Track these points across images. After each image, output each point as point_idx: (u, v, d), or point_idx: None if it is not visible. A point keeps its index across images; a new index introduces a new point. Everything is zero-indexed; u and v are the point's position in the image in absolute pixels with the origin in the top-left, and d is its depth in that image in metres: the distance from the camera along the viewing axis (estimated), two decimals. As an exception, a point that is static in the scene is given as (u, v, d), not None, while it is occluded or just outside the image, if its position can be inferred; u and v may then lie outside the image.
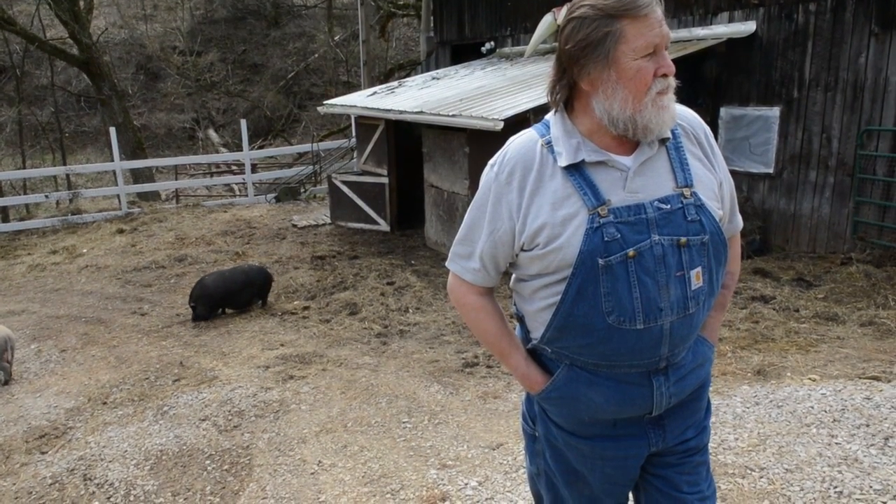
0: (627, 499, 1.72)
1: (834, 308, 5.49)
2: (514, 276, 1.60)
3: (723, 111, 7.62)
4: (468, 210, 1.59)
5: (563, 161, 1.44)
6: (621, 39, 1.36)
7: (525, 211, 1.47)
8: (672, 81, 1.42)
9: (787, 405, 3.65)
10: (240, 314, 6.74)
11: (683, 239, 1.43)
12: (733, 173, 7.39)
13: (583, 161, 1.44)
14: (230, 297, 6.64)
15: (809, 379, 4.09)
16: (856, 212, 6.64)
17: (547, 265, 1.46)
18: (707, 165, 1.54)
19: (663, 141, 1.48)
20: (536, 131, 1.52)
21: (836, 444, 3.19)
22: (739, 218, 1.68)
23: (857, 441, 3.19)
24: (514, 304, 1.64)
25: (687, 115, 1.56)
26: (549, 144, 1.47)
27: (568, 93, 1.47)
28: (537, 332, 1.54)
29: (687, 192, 1.46)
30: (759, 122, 7.34)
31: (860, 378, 4.03)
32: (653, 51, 1.37)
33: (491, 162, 1.54)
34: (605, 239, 1.40)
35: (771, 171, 7.28)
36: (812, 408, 3.58)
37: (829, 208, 6.88)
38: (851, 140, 6.60)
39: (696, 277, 1.45)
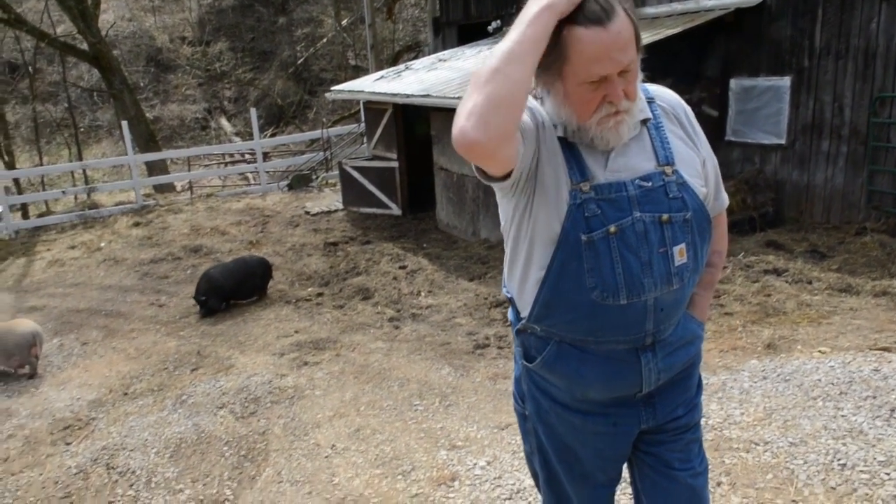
0: (620, 475, 1.76)
1: (848, 279, 5.44)
2: (506, 256, 1.62)
3: (733, 82, 7.51)
4: None
5: (560, 131, 1.47)
6: (566, 60, 1.36)
7: (535, 136, 1.43)
8: (624, 105, 1.39)
9: (795, 378, 3.66)
10: (254, 303, 6.84)
11: (666, 216, 1.46)
12: (745, 145, 7.41)
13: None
14: (237, 287, 6.76)
15: (819, 352, 4.08)
16: (870, 181, 6.55)
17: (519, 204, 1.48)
18: (689, 144, 1.55)
19: (644, 121, 1.50)
20: None
21: (842, 416, 3.20)
22: (725, 196, 1.69)
23: (863, 413, 3.20)
24: (504, 286, 1.68)
25: (666, 96, 1.58)
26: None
27: None
28: (526, 311, 1.58)
29: (668, 169, 1.48)
30: (769, 92, 7.23)
31: (870, 349, 4.02)
32: (598, 80, 1.35)
33: None
34: (587, 215, 1.43)
35: (783, 141, 7.18)
36: (819, 381, 3.58)
37: (842, 178, 6.78)
38: (864, 108, 6.49)
39: (680, 254, 1.48)
